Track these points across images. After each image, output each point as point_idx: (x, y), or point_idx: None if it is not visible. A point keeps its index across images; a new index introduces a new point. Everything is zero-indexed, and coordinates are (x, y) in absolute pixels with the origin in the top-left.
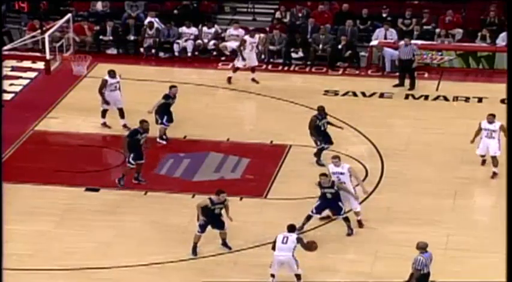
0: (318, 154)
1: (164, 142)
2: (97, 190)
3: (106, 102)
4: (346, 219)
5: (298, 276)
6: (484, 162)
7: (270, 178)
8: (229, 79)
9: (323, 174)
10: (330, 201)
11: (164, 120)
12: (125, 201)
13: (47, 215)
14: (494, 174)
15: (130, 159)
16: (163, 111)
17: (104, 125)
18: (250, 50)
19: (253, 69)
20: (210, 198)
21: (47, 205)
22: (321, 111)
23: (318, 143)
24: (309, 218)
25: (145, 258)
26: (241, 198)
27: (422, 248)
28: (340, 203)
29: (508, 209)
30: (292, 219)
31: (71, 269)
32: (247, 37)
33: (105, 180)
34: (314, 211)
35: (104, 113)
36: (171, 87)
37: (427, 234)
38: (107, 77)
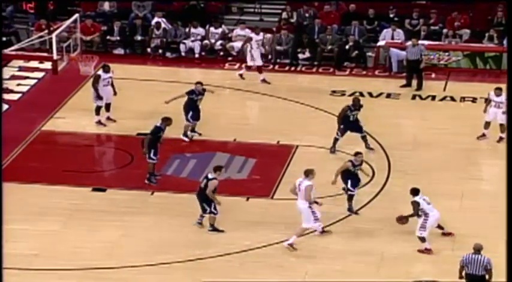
0: (333, 142)
1: (187, 139)
2: (104, 190)
3: (99, 97)
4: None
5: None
6: (483, 135)
7: (276, 178)
8: (241, 75)
9: (359, 153)
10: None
11: (189, 117)
12: (132, 201)
13: (54, 215)
14: (501, 139)
15: (152, 155)
16: (189, 107)
17: (99, 123)
18: (256, 47)
19: (259, 70)
20: (213, 178)
21: (54, 205)
22: (355, 103)
23: (338, 133)
24: (351, 197)
25: (153, 258)
26: (247, 199)
27: (473, 248)
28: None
29: (508, 210)
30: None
31: (78, 269)
32: (253, 35)
33: (112, 180)
34: (353, 189)
35: (98, 110)
36: (197, 83)
37: (433, 234)
38: (100, 72)
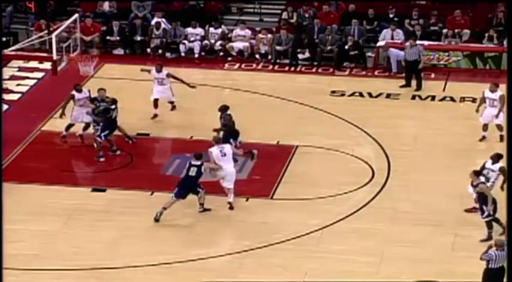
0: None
1: (79, 139)
2: (103, 190)
3: (63, 114)
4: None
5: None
6: (483, 137)
7: (276, 178)
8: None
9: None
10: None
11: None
12: (132, 202)
13: (53, 215)
14: (502, 137)
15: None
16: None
17: (64, 137)
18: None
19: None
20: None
21: (54, 205)
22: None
23: None
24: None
25: (153, 259)
26: (247, 199)
27: (496, 244)
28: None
29: (508, 209)
30: (298, 220)
31: (78, 269)
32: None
33: (111, 180)
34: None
35: (68, 128)
36: (99, 90)
37: (433, 234)
38: (74, 92)
